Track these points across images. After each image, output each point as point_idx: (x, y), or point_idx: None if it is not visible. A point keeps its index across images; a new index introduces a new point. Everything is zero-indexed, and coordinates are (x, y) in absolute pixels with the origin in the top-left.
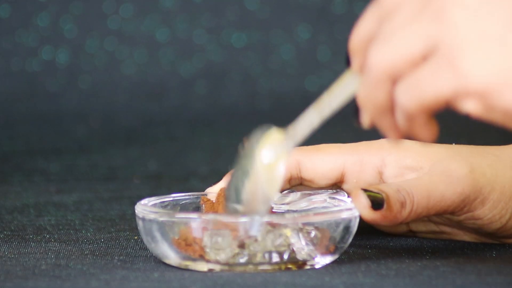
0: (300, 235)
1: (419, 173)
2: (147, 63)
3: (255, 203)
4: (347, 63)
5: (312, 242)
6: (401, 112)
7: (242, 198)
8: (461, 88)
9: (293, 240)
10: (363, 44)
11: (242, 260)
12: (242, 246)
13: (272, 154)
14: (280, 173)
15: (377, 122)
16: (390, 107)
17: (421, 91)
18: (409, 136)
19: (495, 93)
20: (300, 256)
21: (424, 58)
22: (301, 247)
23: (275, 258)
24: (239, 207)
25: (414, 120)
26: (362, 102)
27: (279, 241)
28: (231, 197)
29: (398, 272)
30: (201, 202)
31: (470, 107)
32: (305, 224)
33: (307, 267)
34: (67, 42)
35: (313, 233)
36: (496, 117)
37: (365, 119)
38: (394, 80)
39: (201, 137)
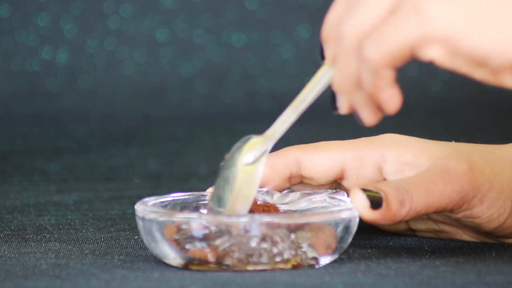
0: (296, 235)
1: (418, 170)
2: (147, 63)
3: (236, 205)
4: (321, 56)
5: (310, 242)
6: (368, 69)
7: (224, 202)
8: (425, 34)
9: (291, 239)
10: (334, 31)
11: (241, 260)
12: (241, 246)
13: (250, 157)
14: (258, 174)
15: (352, 101)
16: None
17: (387, 40)
18: (379, 107)
19: (459, 37)
20: (298, 256)
21: (391, 13)
22: (298, 247)
23: (275, 257)
24: (221, 209)
25: (381, 77)
26: (337, 85)
27: (276, 240)
28: (214, 204)
29: (398, 272)
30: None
31: (434, 53)
32: (303, 224)
33: (307, 267)
34: (67, 42)
35: (307, 235)
36: (459, 64)
37: (342, 104)
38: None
39: (201, 137)
